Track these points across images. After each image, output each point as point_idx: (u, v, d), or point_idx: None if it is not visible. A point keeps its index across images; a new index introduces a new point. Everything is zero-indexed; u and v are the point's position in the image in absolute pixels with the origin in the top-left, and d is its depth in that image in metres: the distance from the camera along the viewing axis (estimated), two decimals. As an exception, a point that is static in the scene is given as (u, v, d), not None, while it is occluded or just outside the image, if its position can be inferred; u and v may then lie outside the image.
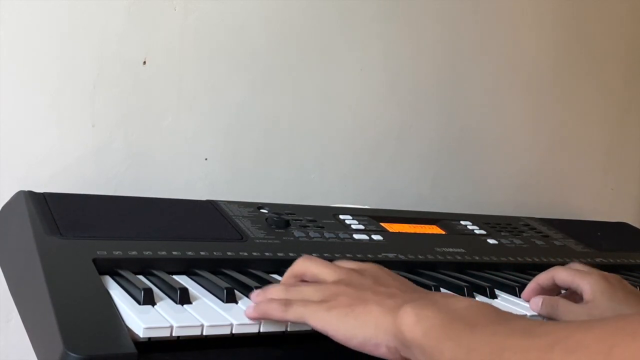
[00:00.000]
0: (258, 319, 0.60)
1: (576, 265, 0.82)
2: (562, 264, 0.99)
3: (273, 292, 0.62)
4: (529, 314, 0.75)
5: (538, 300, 0.76)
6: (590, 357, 0.41)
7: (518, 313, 0.74)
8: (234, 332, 0.58)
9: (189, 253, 0.75)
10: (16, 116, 0.96)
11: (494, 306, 0.54)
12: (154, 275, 0.69)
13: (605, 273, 0.78)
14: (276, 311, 0.59)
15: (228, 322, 0.58)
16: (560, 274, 0.79)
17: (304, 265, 0.65)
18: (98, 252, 0.70)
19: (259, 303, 0.60)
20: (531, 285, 0.79)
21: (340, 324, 0.56)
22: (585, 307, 0.74)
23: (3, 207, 0.86)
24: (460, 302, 0.54)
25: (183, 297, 0.62)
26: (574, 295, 0.78)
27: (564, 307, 0.74)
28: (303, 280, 0.65)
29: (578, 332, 0.43)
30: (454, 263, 0.91)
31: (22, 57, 0.95)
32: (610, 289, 0.74)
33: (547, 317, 0.75)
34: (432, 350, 0.50)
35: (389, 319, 0.54)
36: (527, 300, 0.78)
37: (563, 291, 0.81)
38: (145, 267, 0.71)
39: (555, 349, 0.43)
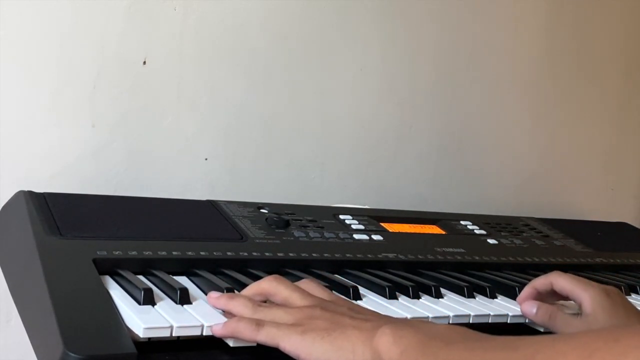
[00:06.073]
0: (225, 337, 0.57)
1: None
2: (562, 264, 0.99)
3: (240, 307, 0.60)
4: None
5: (532, 306, 0.73)
6: None
7: (518, 313, 0.74)
8: (234, 332, 0.58)
9: (189, 253, 0.75)
10: (16, 116, 0.96)
11: (471, 330, 0.53)
12: (154, 275, 0.69)
13: (606, 286, 0.75)
14: (247, 331, 0.56)
15: (228, 322, 0.58)
16: (559, 282, 0.75)
17: (274, 285, 0.63)
18: (98, 252, 0.70)
19: (228, 322, 0.57)
20: (527, 290, 0.76)
21: (314, 349, 0.53)
22: (585, 321, 0.71)
23: (3, 207, 0.86)
24: (437, 325, 0.54)
25: (183, 297, 0.62)
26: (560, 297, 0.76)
27: (563, 320, 0.72)
28: (267, 300, 0.63)
29: (559, 342, 0.43)
30: (454, 263, 0.91)
31: (22, 57, 0.95)
32: (611, 304, 0.71)
33: (541, 325, 0.73)
34: None
35: (366, 342, 0.52)
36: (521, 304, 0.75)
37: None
38: (145, 267, 0.71)
39: (536, 359, 0.42)
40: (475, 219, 1.10)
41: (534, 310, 0.73)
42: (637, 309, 0.74)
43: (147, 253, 0.73)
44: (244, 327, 0.57)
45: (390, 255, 0.88)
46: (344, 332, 0.54)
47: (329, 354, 0.53)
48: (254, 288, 0.64)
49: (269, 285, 0.63)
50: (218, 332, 0.57)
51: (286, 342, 0.55)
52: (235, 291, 0.65)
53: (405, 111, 1.28)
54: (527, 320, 0.74)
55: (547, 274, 0.78)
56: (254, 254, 0.79)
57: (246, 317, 0.58)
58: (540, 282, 0.76)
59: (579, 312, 0.73)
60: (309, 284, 0.65)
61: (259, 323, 0.56)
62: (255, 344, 0.57)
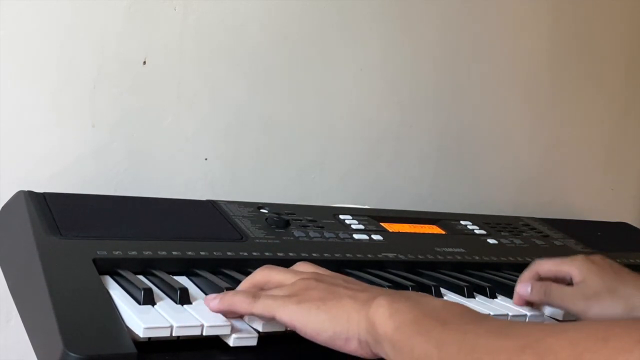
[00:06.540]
0: (222, 312, 0.58)
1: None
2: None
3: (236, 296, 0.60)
4: (529, 313, 0.75)
5: (526, 286, 0.75)
6: None
7: (518, 313, 0.74)
8: (234, 332, 0.58)
9: (189, 253, 0.75)
10: (16, 116, 0.96)
11: (469, 307, 0.53)
12: (154, 275, 0.69)
13: (590, 255, 0.77)
14: (243, 303, 0.57)
15: (228, 323, 0.58)
16: (543, 266, 0.77)
17: (266, 274, 0.63)
18: (98, 252, 0.70)
19: (225, 295, 0.58)
20: (518, 290, 0.77)
21: (310, 318, 0.54)
22: (578, 288, 0.73)
23: (3, 207, 0.86)
24: (434, 300, 0.54)
25: (183, 297, 0.62)
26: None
27: (558, 292, 0.73)
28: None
29: (550, 336, 0.43)
30: (454, 263, 0.91)
31: (22, 57, 0.95)
32: (598, 268, 0.74)
33: (539, 303, 0.75)
34: (402, 345, 0.49)
35: (361, 312, 0.52)
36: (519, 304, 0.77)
37: None
38: (145, 267, 0.71)
39: (525, 352, 0.42)
40: (475, 219, 1.10)
41: (529, 289, 0.74)
42: (625, 268, 0.76)
43: (147, 253, 0.73)
44: (240, 300, 0.57)
45: (390, 255, 0.88)
46: (339, 302, 0.54)
47: (325, 323, 0.53)
48: (247, 282, 0.64)
49: (261, 275, 0.64)
50: (215, 306, 0.58)
51: (282, 312, 0.55)
52: None
53: (405, 111, 1.28)
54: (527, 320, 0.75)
55: (528, 267, 0.79)
56: (254, 254, 0.79)
57: (242, 291, 0.59)
58: (527, 277, 0.78)
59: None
60: (304, 264, 0.66)
61: (255, 295, 0.57)
62: (255, 344, 0.57)
